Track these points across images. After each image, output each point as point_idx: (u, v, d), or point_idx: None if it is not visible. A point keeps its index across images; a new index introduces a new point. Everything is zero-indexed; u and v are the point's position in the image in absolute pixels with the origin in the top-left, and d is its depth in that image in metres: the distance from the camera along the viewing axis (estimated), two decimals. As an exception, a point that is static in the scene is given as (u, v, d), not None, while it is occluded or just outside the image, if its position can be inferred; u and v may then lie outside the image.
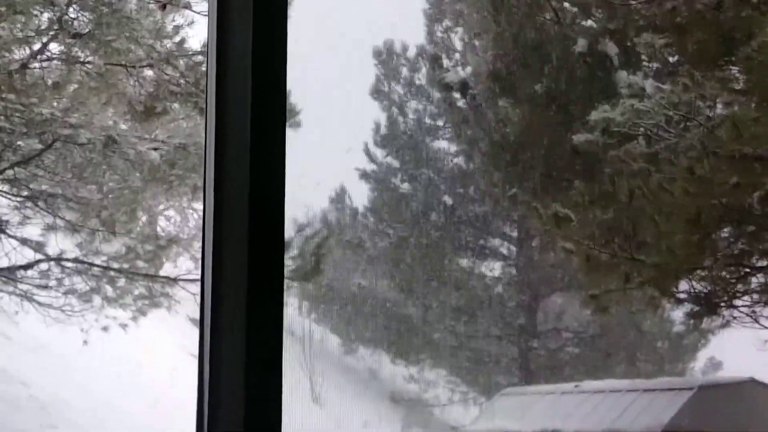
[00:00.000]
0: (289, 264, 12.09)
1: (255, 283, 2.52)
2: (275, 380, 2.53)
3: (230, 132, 2.61)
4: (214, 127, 2.61)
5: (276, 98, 2.69)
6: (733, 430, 12.00)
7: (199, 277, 2.63)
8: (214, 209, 2.57)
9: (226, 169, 2.58)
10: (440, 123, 17.63)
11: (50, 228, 11.38)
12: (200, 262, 2.65)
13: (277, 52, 2.70)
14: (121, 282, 11.66)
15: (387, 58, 17.78)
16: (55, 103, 10.78)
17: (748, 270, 11.03)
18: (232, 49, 2.66)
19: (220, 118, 2.61)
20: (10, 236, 11.27)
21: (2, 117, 10.49)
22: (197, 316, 2.56)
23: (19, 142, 10.75)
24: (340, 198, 17.68)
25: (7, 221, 11.28)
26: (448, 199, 17.52)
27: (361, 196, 17.73)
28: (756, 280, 11.16)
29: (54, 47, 10.93)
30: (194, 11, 10.94)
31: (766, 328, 11.00)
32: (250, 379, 2.49)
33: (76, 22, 10.80)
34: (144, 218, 12.73)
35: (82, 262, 11.48)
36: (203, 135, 2.77)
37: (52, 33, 10.76)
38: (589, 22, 13.04)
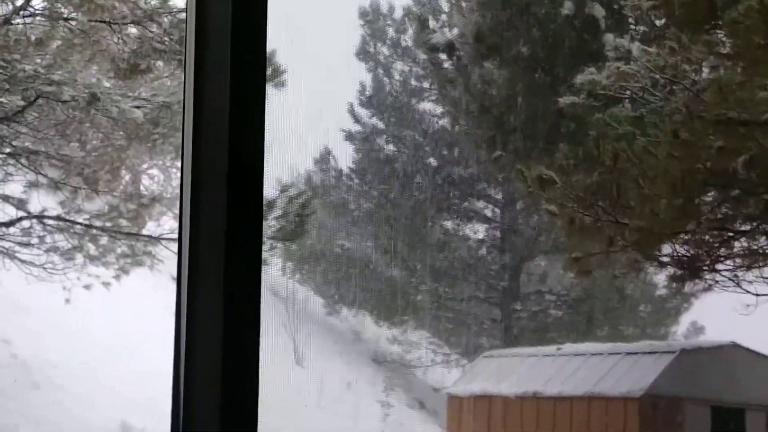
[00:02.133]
0: (273, 224, 12.08)
1: (233, 242, 2.50)
2: (253, 340, 2.52)
3: (209, 91, 2.58)
4: (192, 86, 2.58)
5: (256, 57, 2.65)
6: (715, 394, 12.08)
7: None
8: (192, 170, 2.55)
9: (204, 128, 2.55)
10: (426, 84, 17.61)
11: (32, 185, 11.34)
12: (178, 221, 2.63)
13: (258, 10, 2.67)
14: (104, 240, 11.63)
15: (373, 18, 17.74)
16: (38, 60, 10.71)
17: (731, 234, 11.05)
18: (212, 7, 2.63)
19: (199, 77, 2.58)
20: (-8, 193, 11.24)
21: (-16, 73, 10.42)
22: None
23: (1, 99, 10.68)
24: (324, 159, 17.68)
25: (-11, 178, 11.25)
26: (432, 161, 17.54)
27: (345, 157, 17.73)
28: (739, 245, 11.18)
29: (37, 3, 10.83)
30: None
31: (748, 292, 11.04)
32: (227, 339, 2.48)
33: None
34: (127, 177, 12.69)
35: (65, 219, 11.44)
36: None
37: (35, -12, 10.68)
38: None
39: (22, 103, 10.60)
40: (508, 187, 16.89)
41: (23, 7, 10.68)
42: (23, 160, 11.22)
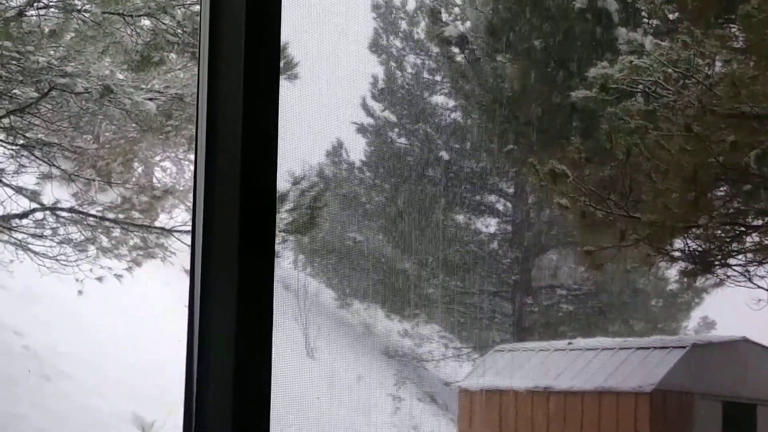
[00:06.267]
0: (284, 217, 12.08)
1: (246, 235, 2.51)
2: (266, 333, 2.53)
3: (223, 84, 2.59)
4: (206, 79, 2.59)
5: (270, 50, 2.66)
6: (726, 389, 12.07)
7: (193, 228, 2.62)
8: (205, 161, 2.56)
9: (218, 121, 2.56)
10: (438, 78, 17.60)
11: (46, 177, 11.36)
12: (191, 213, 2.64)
13: (272, 3, 2.67)
14: (117, 232, 11.65)
15: (386, 11, 17.73)
16: (51, 51, 10.71)
17: (743, 229, 11.03)
18: (226, 0, 2.64)
19: (213, 70, 2.59)
20: (5, 185, 11.24)
21: (-2, 65, 10.43)
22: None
23: (15, 90, 10.69)
24: (336, 152, 17.68)
25: (2, 169, 11.25)
26: (444, 155, 17.52)
27: (357, 150, 17.73)
28: (750, 239, 11.16)
29: (51, -5, 10.86)
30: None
31: (759, 287, 11.02)
32: (240, 331, 2.48)
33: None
34: (140, 169, 12.71)
35: (78, 211, 11.46)
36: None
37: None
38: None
39: (35, 94, 10.61)
40: (519, 180, 16.88)
41: (37, -1, 10.70)
42: (36, 152, 11.24)
